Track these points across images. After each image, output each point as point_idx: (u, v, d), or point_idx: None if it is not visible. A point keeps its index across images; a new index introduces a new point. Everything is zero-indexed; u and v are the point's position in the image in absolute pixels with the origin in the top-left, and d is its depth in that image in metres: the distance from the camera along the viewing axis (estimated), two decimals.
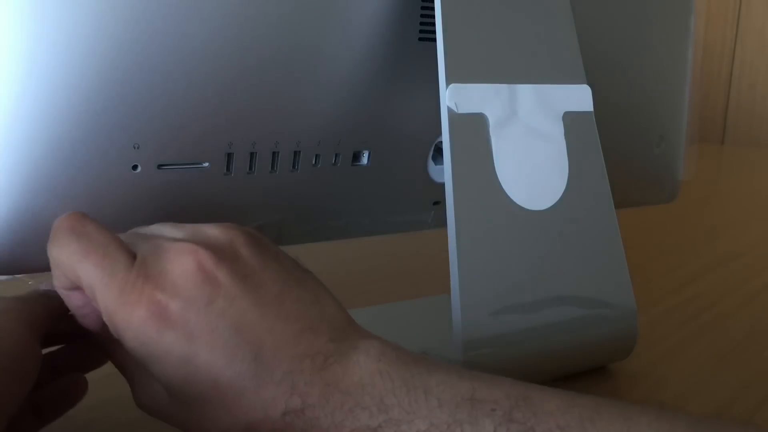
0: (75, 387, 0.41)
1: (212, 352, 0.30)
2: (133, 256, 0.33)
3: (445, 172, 0.44)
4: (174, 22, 0.39)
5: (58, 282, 0.34)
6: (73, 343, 0.41)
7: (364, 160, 0.50)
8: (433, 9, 0.45)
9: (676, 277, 0.76)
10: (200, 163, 0.43)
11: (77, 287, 0.33)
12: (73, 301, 0.35)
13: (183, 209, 0.43)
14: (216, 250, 0.32)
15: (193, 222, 0.38)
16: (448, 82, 0.45)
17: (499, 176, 0.46)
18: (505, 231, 0.46)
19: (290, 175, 0.46)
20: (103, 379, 0.43)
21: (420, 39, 0.48)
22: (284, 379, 0.31)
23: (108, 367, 0.44)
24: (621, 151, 0.60)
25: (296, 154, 0.46)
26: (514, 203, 0.46)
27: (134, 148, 0.40)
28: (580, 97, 0.51)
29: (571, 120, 0.50)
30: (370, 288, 0.73)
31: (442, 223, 0.45)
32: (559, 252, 0.48)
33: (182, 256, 0.32)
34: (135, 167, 0.40)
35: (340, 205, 0.51)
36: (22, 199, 0.37)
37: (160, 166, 0.41)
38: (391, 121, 0.50)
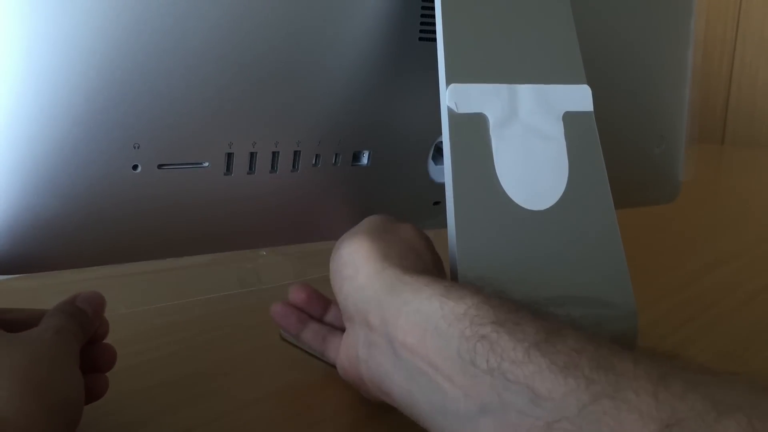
0: (96, 385, 0.42)
1: None
2: None
3: (445, 172, 0.44)
4: (174, 22, 0.39)
5: None
6: (91, 344, 0.43)
7: (364, 160, 0.50)
8: (433, 9, 0.45)
9: (676, 277, 0.76)
10: (200, 163, 0.43)
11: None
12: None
13: (183, 209, 0.43)
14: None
15: (193, 221, 0.38)
16: (448, 82, 0.45)
17: (499, 176, 0.46)
18: (505, 231, 0.46)
19: (290, 175, 0.46)
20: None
21: (420, 39, 0.48)
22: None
23: None
24: (621, 151, 0.60)
25: (296, 154, 0.46)
26: (514, 203, 0.46)
27: (134, 147, 0.40)
28: (580, 97, 0.51)
29: (571, 120, 0.50)
30: None
31: (442, 223, 0.45)
32: (559, 252, 0.48)
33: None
34: (135, 167, 0.40)
35: (340, 205, 0.51)
36: (22, 199, 0.37)
37: (160, 166, 0.41)
38: (391, 121, 0.50)
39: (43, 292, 0.63)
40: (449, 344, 0.35)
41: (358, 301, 0.40)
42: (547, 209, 0.48)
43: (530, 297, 0.46)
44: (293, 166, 0.46)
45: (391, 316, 0.38)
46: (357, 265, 0.41)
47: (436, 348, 0.36)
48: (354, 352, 0.41)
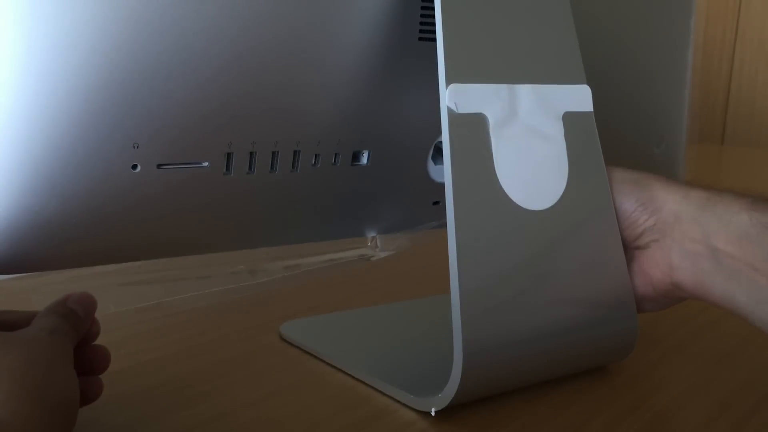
0: (91, 388, 0.42)
1: None
2: None
3: (444, 172, 0.44)
4: (174, 22, 0.39)
5: None
6: (83, 346, 0.42)
7: (364, 160, 0.50)
8: (433, 9, 0.45)
9: None
10: (200, 163, 0.43)
11: None
12: None
13: (182, 209, 0.43)
14: None
15: (192, 220, 0.38)
16: (448, 82, 0.45)
17: (499, 176, 0.46)
18: (505, 231, 0.46)
19: (290, 175, 0.46)
20: (103, 378, 0.43)
21: (420, 39, 0.48)
22: None
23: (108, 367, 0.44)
24: (621, 151, 0.60)
25: (296, 154, 0.46)
26: (514, 203, 0.46)
27: (134, 147, 0.40)
28: (580, 97, 0.51)
29: (571, 120, 0.50)
30: (370, 288, 0.73)
31: (442, 223, 0.45)
32: (559, 252, 0.48)
33: None
34: (135, 167, 0.40)
35: (340, 205, 0.51)
36: (22, 199, 0.37)
37: (159, 166, 0.41)
38: (391, 121, 0.50)
39: (40, 292, 0.63)
40: (762, 248, 0.44)
41: (672, 221, 0.48)
42: (547, 209, 0.48)
43: (530, 297, 0.46)
44: (293, 166, 0.46)
45: (710, 229, 0.47)
46: (661, 197, 0.49)
47: (752, 252, 0.45)
48: (666, 261, 0.49)
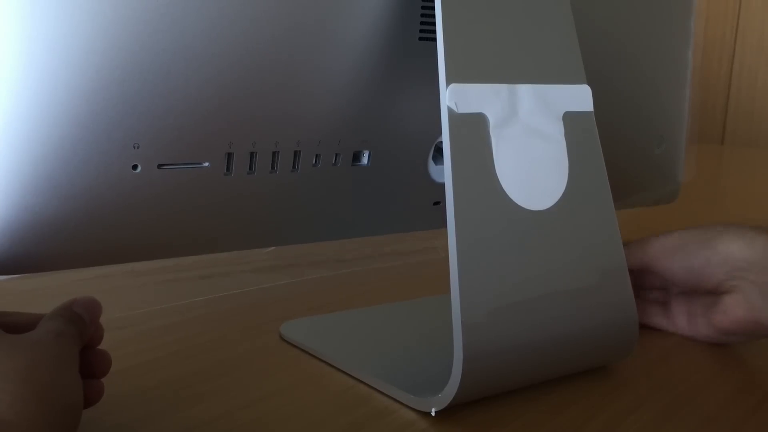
0: (91, 391, 0.42)
1: None
2: None
3: (445, 172, 0.44)
4: (174, 22, 0.39)
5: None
6: (86, 350, 0.43)
7: (364, 160, 0.50)
8: (433, 9, 0.45)
9: None
10: (200, 163, 0.43)
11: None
12: None
13: (183, 209, 0.43)
14: None
15: (193, 221, 0.38)
16: (448, 82, 0.45)
17: (499, 176, 0.46)
18: (505, 231, 0.46)
19: (290, 175, 0.46)
20: (103, 378, 0.43)
21: (420, 39, 0.48)
22: None
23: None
24: (621, 151, 0.60)
25: (296, 154, 0.46)
26: (514, 203, 0.46)
27: (134, 147, 0.40)
28: (580, 97, 0.51)
29: (571, 120, 0.50)
30: (370, 288, 0.73)
31: (442, 223, 0.45)
32: (559, 252, 0.48)
33: None
34: (135, 167, 0.40)
35: (340, 205, 0.51)
36: (22, 199, 0.37)
37: (160, 166, 0.41)
38: (391, 121, 0.50)
39: (41, 293, 0.63)
40: None
41: (746, 267, 0.53)
42: (547, 209, 0.48)
43: (530, 297, 0.46)
44: (293, 166, 0.46)
45: None
46: (724, 250, 0.54)
47: None
48: (749, 303, 0.53)
